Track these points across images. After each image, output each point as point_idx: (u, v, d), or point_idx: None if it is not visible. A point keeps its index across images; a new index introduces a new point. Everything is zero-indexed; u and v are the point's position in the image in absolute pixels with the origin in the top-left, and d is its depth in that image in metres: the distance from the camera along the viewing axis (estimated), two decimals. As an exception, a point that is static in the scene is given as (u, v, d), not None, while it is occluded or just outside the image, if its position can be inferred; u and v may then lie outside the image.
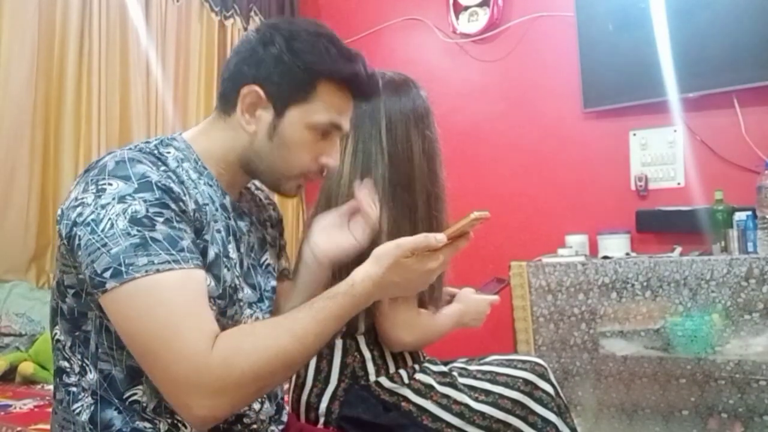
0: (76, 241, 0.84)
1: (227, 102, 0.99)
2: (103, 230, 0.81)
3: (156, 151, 0.93)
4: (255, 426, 1.01)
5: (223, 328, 0.95)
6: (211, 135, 1.02)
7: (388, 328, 1.27)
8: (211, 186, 0.98)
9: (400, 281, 0.92)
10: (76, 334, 0.91)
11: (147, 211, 0.82)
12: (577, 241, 2.68)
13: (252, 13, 3.42)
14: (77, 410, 0.90)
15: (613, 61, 2.72)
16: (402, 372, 1.30)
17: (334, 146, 1.02)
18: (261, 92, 0.96)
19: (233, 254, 0.98)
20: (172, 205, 0.85)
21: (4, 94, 2.55)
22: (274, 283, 1.11)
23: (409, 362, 1.33)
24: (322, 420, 1.26)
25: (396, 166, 1.31)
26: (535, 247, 2.74)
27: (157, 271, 0.80)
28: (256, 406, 1.00)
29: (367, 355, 1.28)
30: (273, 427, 1.06)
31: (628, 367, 2.34)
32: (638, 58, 2.63)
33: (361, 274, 0.91)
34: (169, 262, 0.81)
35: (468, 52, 3.17)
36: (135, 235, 0.81)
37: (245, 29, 3.36)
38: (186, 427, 0.91)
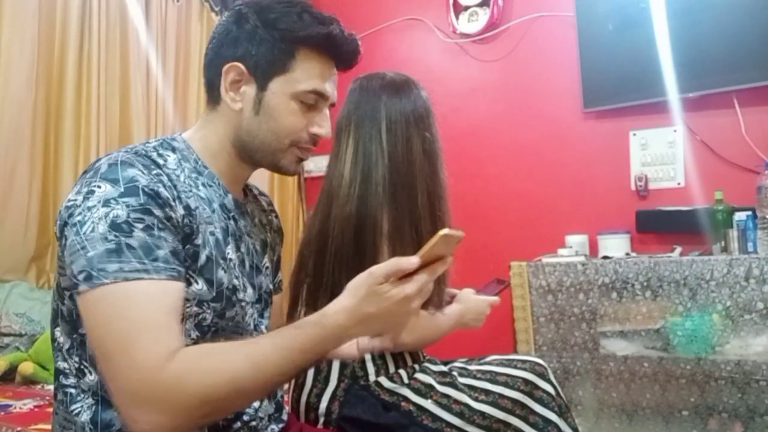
0: (64, 241, 0.84)
1: (213, 89, 1.00)
2: (85, 233, 0.81)
3: (154, 153, 0.93)
4: (254, 423, 1.01)
5: (223, 330, 0.95)
6: (206, 130, 1.02)
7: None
8: (211, 186, 0.98)
9: (378, 312, 0.85)
10: (74, 336, 0.91)
11: (128, 216, 0.82)
12: (577, 241, 2.68)
13: (252, 13, 3.41)
14: (76, 411, 0.90)
15: (613, 61, 2.72)
16: (402, 372, 1.30)
17: (323, 116, 1.02)
18: (242, 67, 0.96)
19: (232, 254, 0.98)
20: (156, 211, 0.84)
21: (4, 94, 2.55)
22: (271, 285, 1.11)
23: (409, 362, 1.33)
24: (321, 420, 1.26)
25: (396, 167, 1.31)
26: (535, 247, 2.74)
27: (126, 279, 0.79)
28: (255, 403, 1.00)
29: (367, 355, 1.28)
30: (273, 426, 1.06)
31: (628, 367, 2.34)
32: (638, 58, 2.63)
33: (334, 305, 0.86)
34: (138, 271, 0.80)
35: (468, 52, 3.17)
36: (111, 241, 0.80)
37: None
38: None
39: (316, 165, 3.49)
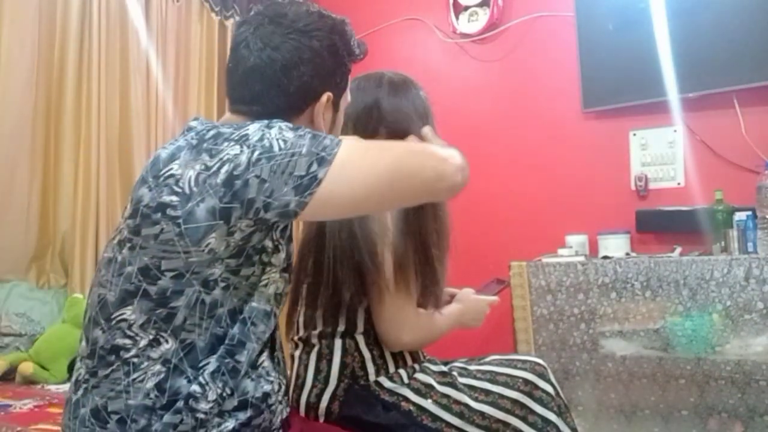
0: (254, 180, 0.88)
1: (287, 110, 1.03)
2: (281, 149, 0.89)
3: None
4: (274, 407, 1.02)
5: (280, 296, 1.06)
6: None
7: (386, 328, 1.27)
8: None
9: None
10: (158, 311, 0.93)
11: (290, 125, 0.93)
12: (577, 241, 2.68)
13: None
14: (140, 378, 0.92)
15: (613, 61, 2.71)
16: (401, 372, 1.30)
17: None
18: (332, 96, 1.06)
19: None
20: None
21: (4, 95, 2.55)
22: None
23: (409, 362, 1.34)
24: (321, 420, 1.26)
25: None
26: (535, 247, 2.74)
27: (340, 141, 0.92)
28: (276, 387, 1.02)
29: (367, 355, 1.28)
30: (284, 409, 1.07)
31: (627, 368, 2.34)
32: (638, 58, 2.63)
33: None
34: (336, 138, 0.93)
35: (468, 52, 3.17)
36: (305, 135, 0.91)
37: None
38: (232, 395, 0.94)
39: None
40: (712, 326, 2.22)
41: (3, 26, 2.54)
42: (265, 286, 0.99)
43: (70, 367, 0.91)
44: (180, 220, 0.90)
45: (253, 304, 0.97)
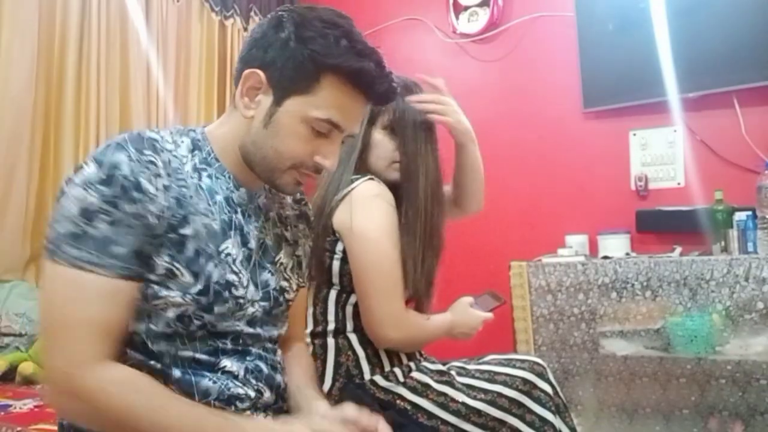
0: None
1: (236, 87, 0.99)
2: (61, 206, 0.87)
3: (164, 137, 0.94)
4: (248, 412, 0.97)
5: (211, 324, 0.94)
6: (224, 125, 1.02)
7: (373, 324, 1.27)
8: (219, 179, 0.98)
9: None
10: None
11: (98, 206, 0.85)
12: (577, 241, 2.68)
13: (252, 13, 3.42)
14: None
15: (613, 61, 2.71)
16: (397, 370, 1.30)
17: (333, 146, 0.98)
18: (263, 76, 0.94)
19: (232, 249, 0.96)
20: (126, 207, 0.86)
21: (3, 95, 2.55)
22: (285, 283, 1.07)
23: (404, 360, 1.34)
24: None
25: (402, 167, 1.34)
26: (535, 247, 2.73)
27: (81, 268, 0.84)
28: (252, 393, 0.97)
29: (361, 353, 1.28)
30: (269, 414, 1.01)
31: (628, 367, 2.34)
32: (638, 58, 2.63)
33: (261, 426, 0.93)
34: (94, 264, 0.84)
35: (468, 52, 3.17)
36: (77, 225, 0.85)
37: (245, 29, 3.37)
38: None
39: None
40: (713, 326, 2.21)
41: (3, 26, 2.54)
42: None
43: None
44: None
45: None
